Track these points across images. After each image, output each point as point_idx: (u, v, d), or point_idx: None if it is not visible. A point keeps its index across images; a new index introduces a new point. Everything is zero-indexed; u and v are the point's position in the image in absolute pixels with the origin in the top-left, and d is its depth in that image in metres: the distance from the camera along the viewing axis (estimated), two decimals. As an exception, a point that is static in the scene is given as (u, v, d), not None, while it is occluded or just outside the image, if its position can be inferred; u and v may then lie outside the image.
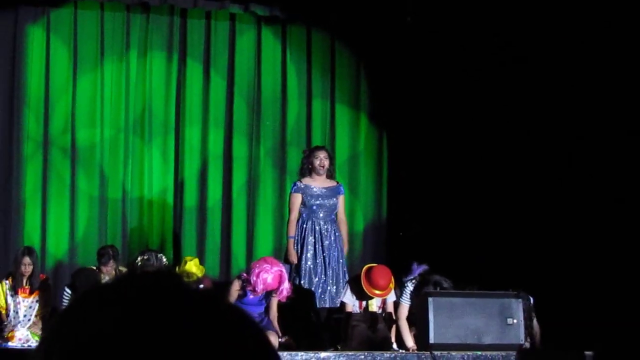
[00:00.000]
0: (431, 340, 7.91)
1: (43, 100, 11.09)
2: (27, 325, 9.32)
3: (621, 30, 9.41)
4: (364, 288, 8.82)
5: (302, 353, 7.46)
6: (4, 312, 9.47)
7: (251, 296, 8.62)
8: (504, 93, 10.55)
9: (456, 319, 8.05)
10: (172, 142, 11.38)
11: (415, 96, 11.60)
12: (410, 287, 8.94)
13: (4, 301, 9.43)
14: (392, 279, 8.98)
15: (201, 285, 9.10)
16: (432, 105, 11.38)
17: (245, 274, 8.75)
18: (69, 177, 11.09)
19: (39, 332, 9.21)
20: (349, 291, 9.00)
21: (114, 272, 9.40)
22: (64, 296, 9.46)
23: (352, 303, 8.97)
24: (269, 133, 11.70)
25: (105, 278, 9.29)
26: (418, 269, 9.17)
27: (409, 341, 8.71)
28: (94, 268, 9.59)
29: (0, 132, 10.97)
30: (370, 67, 12.09)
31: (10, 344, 9.12)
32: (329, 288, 9.24)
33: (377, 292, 8.89)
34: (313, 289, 9.20)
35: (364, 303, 8.98)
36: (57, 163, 11.11)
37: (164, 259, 9.34)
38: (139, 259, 9.25)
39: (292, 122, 11.81)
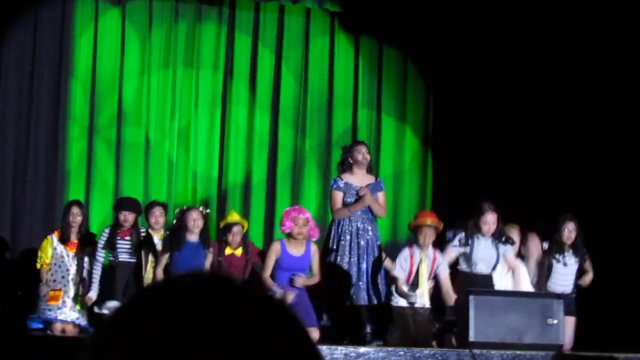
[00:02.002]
0: (471, 339, 7.91)
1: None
2: (76, 288, 9.21)
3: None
4: (417, 224, 8.81)
5: (342, 347, 7.49)
6: (46, 267, 9.25)
7: (291, 249, 8.75)
8: (548, 103, 10.53)
9: (497, 317, 8.05)
10: (218, 121, 11.55)
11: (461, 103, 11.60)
12: (455, 242, 8.99)
13: (49, 255, 9.24)
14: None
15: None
16: (477, 113, 11.38)
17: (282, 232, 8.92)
18: (115, 144, 11.25)
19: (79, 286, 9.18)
20: (396, 264, 8.91)
21: (162, 225, 9.40)
22: (102, 236, 9.37)
23: (402, 273, 8.85)
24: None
25: (153, 231, 9.32)
26: (454, 234, 9.32)
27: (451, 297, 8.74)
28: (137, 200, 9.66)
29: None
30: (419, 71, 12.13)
31: (52, 304, 9.05)
32: (363, 286, 9.19)
33: (428, 220, 8.85)
34: (348, 285, 9.17)
35: (414, 269, 8.87)
36: (103, 129, 11.28)
37: (204, 215, 9.29)
38: (177, 212, 9.26)
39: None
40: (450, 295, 8.81)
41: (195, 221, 8.94)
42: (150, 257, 9.20)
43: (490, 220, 8.95)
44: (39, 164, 11.03)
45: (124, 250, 9.28)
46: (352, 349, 7.42)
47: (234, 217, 9.55)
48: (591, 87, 10.14)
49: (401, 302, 8.80)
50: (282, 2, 11.68)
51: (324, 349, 7.43)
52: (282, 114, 11.77)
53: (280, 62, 11.84)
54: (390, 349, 7.58)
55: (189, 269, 8.61)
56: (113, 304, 8.94)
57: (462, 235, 9.03)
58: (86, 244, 9.36)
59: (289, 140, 11.80)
